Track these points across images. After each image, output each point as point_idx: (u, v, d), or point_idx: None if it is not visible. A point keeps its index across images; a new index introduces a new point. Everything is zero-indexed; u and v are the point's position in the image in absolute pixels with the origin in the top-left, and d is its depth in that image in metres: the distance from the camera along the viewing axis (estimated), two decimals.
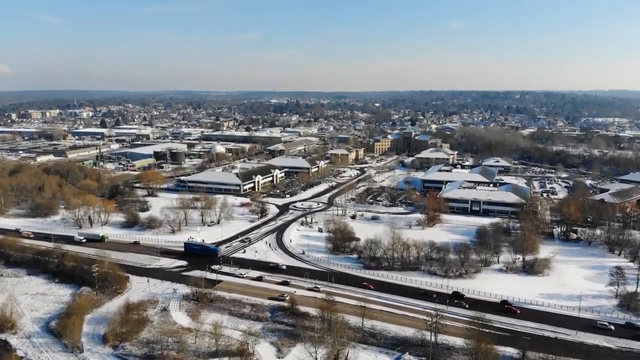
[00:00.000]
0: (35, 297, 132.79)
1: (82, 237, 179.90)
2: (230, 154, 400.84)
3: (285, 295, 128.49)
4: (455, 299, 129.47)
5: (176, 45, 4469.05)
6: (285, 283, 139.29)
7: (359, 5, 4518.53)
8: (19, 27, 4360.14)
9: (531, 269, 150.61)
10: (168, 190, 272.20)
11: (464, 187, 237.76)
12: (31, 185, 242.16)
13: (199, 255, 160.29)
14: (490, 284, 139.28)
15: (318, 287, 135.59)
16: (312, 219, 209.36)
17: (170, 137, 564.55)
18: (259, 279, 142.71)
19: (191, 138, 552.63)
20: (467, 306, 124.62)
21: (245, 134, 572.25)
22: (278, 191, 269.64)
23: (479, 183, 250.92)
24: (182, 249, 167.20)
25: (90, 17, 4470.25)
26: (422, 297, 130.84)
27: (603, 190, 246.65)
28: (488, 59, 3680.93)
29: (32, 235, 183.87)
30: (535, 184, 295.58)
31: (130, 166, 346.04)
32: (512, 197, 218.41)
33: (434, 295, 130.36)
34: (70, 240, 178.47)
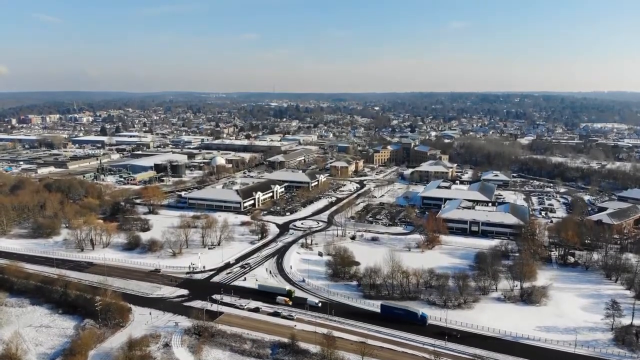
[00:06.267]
0: (40, 330, 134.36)
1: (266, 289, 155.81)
2: (231, 165, 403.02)
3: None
4: None
5: (176, 46, 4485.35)
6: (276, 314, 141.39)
7: (358, 5, 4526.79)
8: (19, 28, 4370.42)
9: (529, 298, 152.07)
10: (169, 207, 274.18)
11: (463, 207, 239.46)
12: (32, 204, 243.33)
13: (400, 320, 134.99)
14: (488, 316, 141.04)
15: (292, 316, 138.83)
16: (312, 240, 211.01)
17: (170, 145, 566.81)
18: (256, 309, 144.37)
19: (191, 146, 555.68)
20: None
21: (245, 142, 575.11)
22: (278, 208, 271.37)
23: (477, 202, 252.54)
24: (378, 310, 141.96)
25: (90, 18, 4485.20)
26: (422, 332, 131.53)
27: (601, 209, 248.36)
28: (488, 60, 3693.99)
29: (249, 307, 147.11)
30: (534, 199, 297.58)
31: (131, 180, 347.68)
32: (510, 219, 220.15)
33: None
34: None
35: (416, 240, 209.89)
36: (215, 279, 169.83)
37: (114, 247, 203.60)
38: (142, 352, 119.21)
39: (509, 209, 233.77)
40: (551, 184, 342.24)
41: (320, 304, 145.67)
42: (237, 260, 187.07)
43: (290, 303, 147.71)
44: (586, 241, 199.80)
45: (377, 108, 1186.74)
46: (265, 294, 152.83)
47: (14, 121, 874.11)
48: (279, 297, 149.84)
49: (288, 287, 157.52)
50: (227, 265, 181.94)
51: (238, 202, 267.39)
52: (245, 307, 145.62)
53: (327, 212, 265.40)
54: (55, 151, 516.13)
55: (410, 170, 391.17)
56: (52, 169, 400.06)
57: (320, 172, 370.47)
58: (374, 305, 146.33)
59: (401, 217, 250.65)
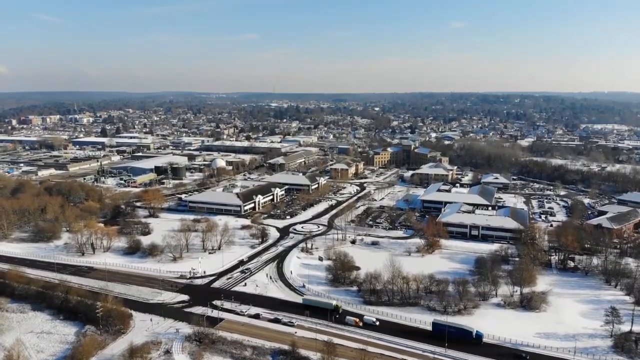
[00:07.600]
0: (41, 337, 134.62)
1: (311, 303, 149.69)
2: (231, 167, 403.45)
3: None
4: None
5: (176, 46, 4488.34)
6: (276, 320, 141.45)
7: (358, 5, 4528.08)
8: (19, 28, 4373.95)
9: (528, 304, 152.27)
10: (169, 210, 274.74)
11: (463, 211, 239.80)
12: (33, 207, 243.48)
13: (453, 339, 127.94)
14: (489, 322, 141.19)
15: (292, 322, 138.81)
16: (312, 244, 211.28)
17: (170, 147, 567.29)
18: (257, 316, 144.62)
19: (192, 148, 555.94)
20: None
21: (245, 144, 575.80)
22: (279, 211, 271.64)
23: (478, 206, 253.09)
24: (430, 328, 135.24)
25: (90, 18, 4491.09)
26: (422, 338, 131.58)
27: (601, 213, 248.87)
28: (488, 60, 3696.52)
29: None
30: (534, 202, 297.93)
31: (132, 182, 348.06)
32: (510, 223, 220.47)
33: None
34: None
35: (416, 244, 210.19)
36: (216, 284, 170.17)
37: (115, 252, 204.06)
38: (144, 359, 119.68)
39: (509, 213, 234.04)
40: (551, 187, 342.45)
41: (377, 323, 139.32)
42: (237, 265, 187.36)
43: (361, 324, 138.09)
44: (586, 246, 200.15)
45: (377, 109, 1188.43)
46: (310, 309, 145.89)
47: (14, 122, 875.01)
48: (348, 317, 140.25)
49: (335, 302, 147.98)
50: (229, 270, 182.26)
51: (238, 205, 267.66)
52: (246, 313, 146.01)
53: (327, 216, 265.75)
54: (55, 153, 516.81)
55: (411, 172, 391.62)
56: (52, 171, 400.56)
57: (320, 174, 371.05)
58: (424, 323, 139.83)
59: (401, 221, 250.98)
